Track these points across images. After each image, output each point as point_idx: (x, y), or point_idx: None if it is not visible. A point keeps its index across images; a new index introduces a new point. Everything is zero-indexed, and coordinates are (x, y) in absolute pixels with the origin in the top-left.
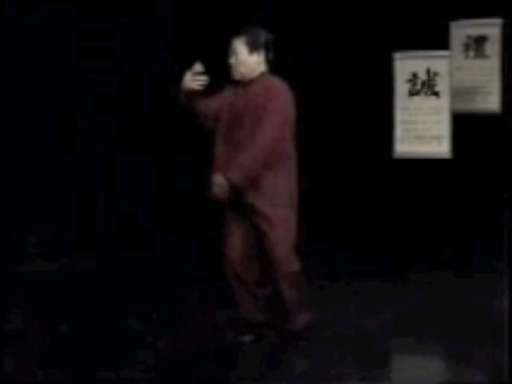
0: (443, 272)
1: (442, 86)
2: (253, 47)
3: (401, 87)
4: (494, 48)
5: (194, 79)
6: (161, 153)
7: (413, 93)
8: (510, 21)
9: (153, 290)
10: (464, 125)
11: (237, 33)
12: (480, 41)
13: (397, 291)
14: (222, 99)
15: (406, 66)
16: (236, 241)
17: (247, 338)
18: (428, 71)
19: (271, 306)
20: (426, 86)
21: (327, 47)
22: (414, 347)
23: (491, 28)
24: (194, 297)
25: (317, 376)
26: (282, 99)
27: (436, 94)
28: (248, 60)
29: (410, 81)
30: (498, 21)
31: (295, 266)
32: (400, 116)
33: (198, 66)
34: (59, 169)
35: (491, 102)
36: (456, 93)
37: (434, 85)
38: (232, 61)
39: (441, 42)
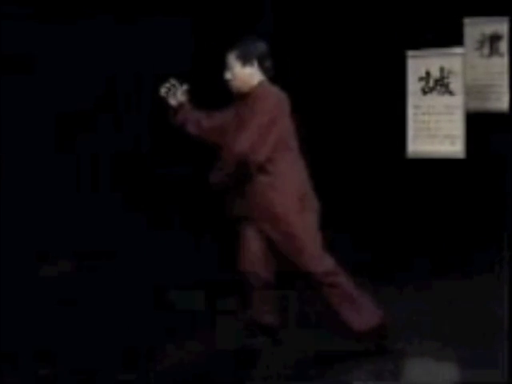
0: (449, 274)
1: (456, 84)
2: (245, 60)
3: (413, 85)
4: (508, 46)
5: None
6: None
7: (426, 91)
8: None
9: None
10: (477, 124)
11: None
12: (495, 38)
13: (396, 293)
14: (229, 113)
15: (419, 63)
16: (251, 255)
17: (258, 341)
18: (441, 69)
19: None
20: (439, 84)
21: (341, 45)
22: (413, 350)
23: (505, 25)
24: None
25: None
26: (268, 101)
27: (450, 92)
28: (241, 73)
29: (422, 79)
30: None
31: (327, 264)
32: (413, 115)
33: (173, 81)
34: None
35: (504, 101)
36: (470, 91)
37: (447, 83)
38: (228, 76)
39: (455, 39)
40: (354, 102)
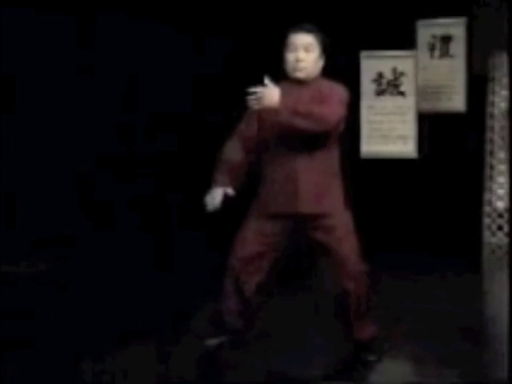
0: (407, 272)
1: (408, 85)
2: (325, 48)
3: (367, 86)
4: (458, 47)
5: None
6: None
7: (379, 92)
8: (471, 20)
9: None
10: (430, 124)
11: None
12: (445, 40)
13: None
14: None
15: (372, 65)
16: (246, 252)
17: (213, 342)
18: (394, 70)
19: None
20: (391, 86)
21: None
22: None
23: (456, 28)
24: None
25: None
26: (339, 88)
27: (402, 93)
28: (318, 61)
29: (375, 80)
30: (462, 20)
31: (361, 266)
32: (366, 116)
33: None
34: None
35: (456, 101)
36: (422, 92)
37: (399, 84)
38: (302, 56)
39: (407, 41)
40: None
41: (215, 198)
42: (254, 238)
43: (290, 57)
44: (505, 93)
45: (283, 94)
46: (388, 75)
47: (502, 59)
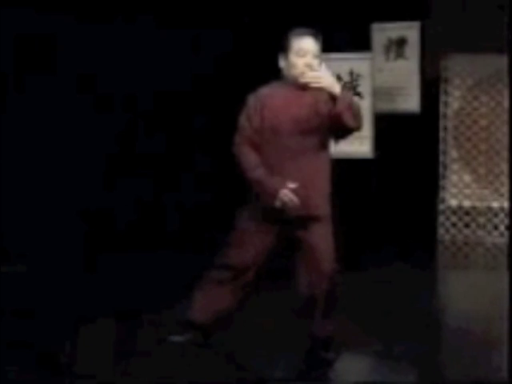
0: (362, 269)
1: (365, 87)
2: (319, 50)
3: None
4: (413, 50)
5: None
6: None
7: None
8: (424, 24)
9: None
10: (386, 125)
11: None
12: (400, 43)
13: None
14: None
15: (330, 67)
16: (245, 253)
17: (178, 339)
18: (351, 73)
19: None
20: (348, 88)
21: (254, 53)
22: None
23: (410, 31)
24: None
25: None
26: None
27: (358, 94)
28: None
29: None
30: (416, 24)
31: (335, 265)
32: None
33: None
34: None
35: (411, 101)
36: (378, 94)
37: (356, 86)
38: (311, 61)
39: (363, 44)
40: None
41: (288, 195)
42: (251, 240)
43: (300, 62)
44: (457, 93)
45: (284, 98)
46: (345, 77)
47: (454, 61)
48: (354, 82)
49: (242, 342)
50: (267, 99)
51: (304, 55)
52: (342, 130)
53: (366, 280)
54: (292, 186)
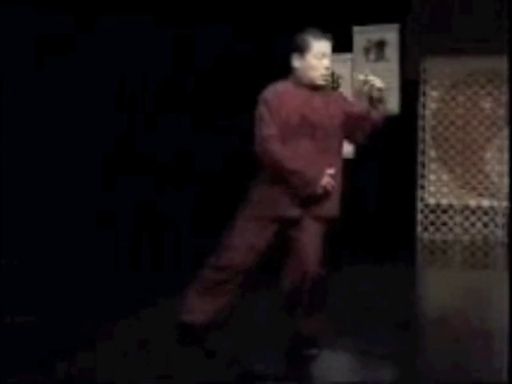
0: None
1: (345, 88)
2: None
3: None
4: (392, 52)
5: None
6: None
7: None
8: (403, 26)
9: None
10: None
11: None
12: (380, 45)
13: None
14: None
15: None
16: (245, 254)
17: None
18: (332, 74)
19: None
20: (329, 89)
21: (238, 56)
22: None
23: (390, 33)
24: None
25: None
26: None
27: None
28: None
29: None
30: (395, 26)
31: (321, 267)
32: None
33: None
34: None
35: (390, 102)
36: (358, 95)
37: (337, 87)
38: (329, 64)
39: (344, 45)
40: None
41: (331, 182)
42: (248, 240)
43: (319, 64)
44: (435, 94)
45: (297, 99)
46: None
47: (432, 62)
48: (335, 84)
49: (236, 339)
50: (285, 97)
51: (323, 57)
52: (365, 135)
53: (345, 278)
54: (331, 171)
